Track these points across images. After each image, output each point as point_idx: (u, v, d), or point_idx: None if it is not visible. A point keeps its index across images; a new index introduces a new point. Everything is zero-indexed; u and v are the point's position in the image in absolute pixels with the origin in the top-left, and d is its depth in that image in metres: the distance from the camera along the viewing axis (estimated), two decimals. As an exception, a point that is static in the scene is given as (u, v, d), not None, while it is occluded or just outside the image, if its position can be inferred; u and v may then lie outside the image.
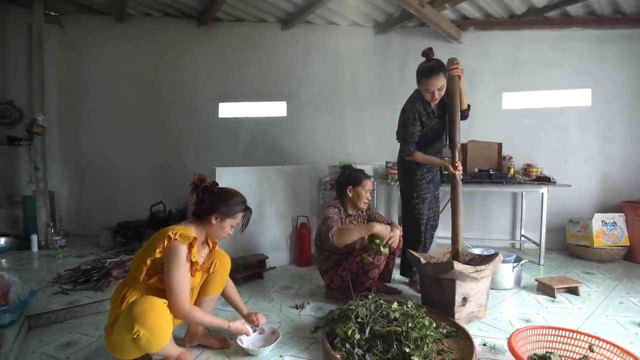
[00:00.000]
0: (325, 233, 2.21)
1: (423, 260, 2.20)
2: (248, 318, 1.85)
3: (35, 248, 3.62)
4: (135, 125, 4.48)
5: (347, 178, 2.43)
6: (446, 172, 2.57)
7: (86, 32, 4.38)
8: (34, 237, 3.64)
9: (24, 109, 4.08)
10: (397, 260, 2.66)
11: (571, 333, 1.66)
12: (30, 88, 3.89)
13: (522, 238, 3.86)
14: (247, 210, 1.75)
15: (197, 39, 4.40)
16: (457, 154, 2.28)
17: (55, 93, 4.29)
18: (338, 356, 1.59)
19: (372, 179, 2.55)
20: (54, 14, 4.19)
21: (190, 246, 1.54)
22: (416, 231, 2.58)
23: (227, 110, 4.51)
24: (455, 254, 2.24)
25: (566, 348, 1.64)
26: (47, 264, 3.18)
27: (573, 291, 2.53)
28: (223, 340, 1.80)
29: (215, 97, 4.47)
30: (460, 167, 2.27)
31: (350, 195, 2.40)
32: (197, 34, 4.40)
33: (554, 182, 3.34)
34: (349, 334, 1.63)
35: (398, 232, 2.26)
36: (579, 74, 3.78)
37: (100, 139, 4.45)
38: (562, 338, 1.66)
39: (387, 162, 3.83)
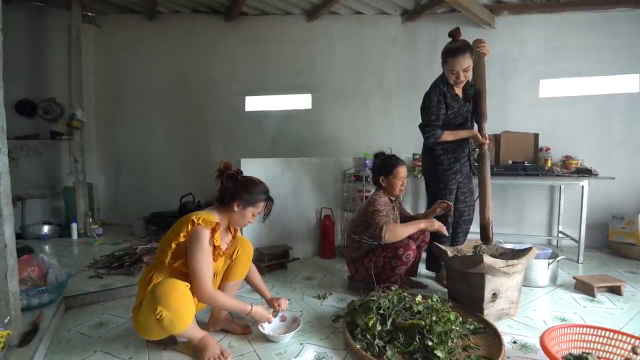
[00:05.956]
0: (375, 228, 2.14)
1: (450, 254, 2.12)
2: (270, 302, 1.87)
3: (74, 236, 3.83)
4: (167, 119, 4.64)
5: (379, 167, 2.35)
6: (476, 164, 2.48)
7: (120, 31, 4.57)
8: (74, 226, 3.85)
9: (64, 105, 4.32)
10: (423, 255, 2.59)
11: (612, 333, 1.53)
12: (70, 85, 4.10)
13: (560, 235, 3.63)
14: (269, 200, 1.75)
15: (224, 34, 4.47)
16: (484, 125, 2.30)
17: (93, 89, 4.51)
18: (358, 346, 1.56)
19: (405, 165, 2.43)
20: (90, 14, 4.39)
21: (213, 231, 1.56)
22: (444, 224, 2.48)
23: (254, 103, 4.56)
24: (485, 224, 2.26)
25: (606, 349, 1.53)
26: (84, 251, 3.36)
27: (615, 291, 2.35)
28: (245, 326, 1.82)
29: (243, 91, 4.53)
30: (487, 138, 2.34)
31: (384, 185, 2.33)
32: (224, 29, 4.47)
33: (596, 175, 3.11)
34: (370, 324, 1.61)
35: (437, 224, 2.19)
36: (626, 58, 3.48)
37: (135, 132, 4.66)
38: (602, 338, 1.54)
39: (414, 154, 3.74)
